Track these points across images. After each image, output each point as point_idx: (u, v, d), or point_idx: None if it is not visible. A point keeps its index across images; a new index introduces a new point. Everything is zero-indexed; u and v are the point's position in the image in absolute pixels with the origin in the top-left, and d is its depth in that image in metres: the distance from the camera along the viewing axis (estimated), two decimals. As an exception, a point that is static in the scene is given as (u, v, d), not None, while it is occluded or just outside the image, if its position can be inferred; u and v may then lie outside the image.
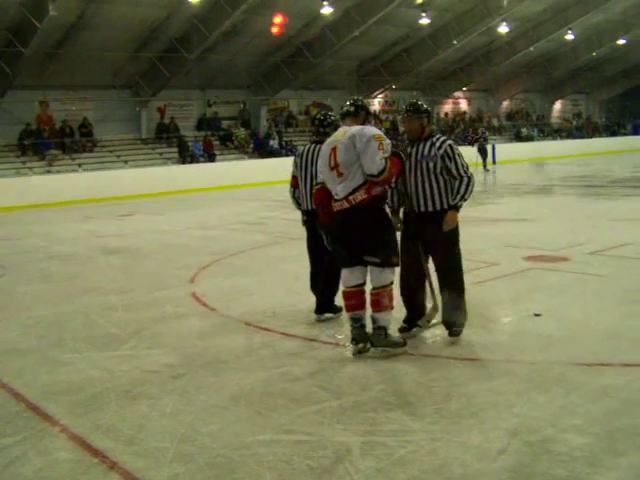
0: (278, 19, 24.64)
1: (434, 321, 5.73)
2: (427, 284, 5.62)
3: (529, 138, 37.99)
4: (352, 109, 5.37)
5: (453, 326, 5.43)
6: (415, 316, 5.64)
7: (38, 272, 9.49)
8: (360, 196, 5.06)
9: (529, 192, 18.07)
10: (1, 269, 9.83)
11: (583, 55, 37.57)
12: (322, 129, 6.20)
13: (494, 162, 28.27)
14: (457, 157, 5.39)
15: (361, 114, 5.37)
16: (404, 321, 5.63)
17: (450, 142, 5.46)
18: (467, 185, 5.36)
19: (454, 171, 5.36)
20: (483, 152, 26.89)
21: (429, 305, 5.73)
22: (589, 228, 11.05)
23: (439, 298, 5.55)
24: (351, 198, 5.08)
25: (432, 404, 4.19)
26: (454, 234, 5.43)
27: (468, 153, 25.91)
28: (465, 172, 5.36)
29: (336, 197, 5.19)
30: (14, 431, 4.10)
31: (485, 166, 26.75)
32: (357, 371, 4.86)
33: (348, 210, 5.11)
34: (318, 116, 6.40)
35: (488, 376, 4.62)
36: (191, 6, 22.47)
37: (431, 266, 5.58)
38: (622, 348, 5.08)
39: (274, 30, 25.17)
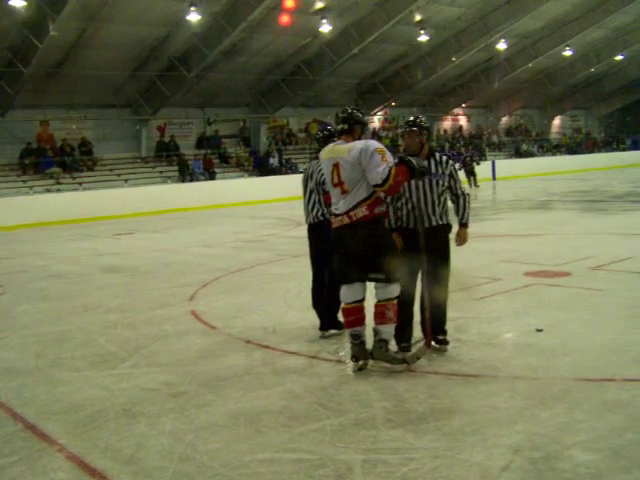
0: (290, 2, 23.01)
1: (417, 343, 5.56)
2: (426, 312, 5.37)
3: (529, 154, 38.11)
4: (346, 127, 5.30)
5: (442, 330, 5.51)
6: (405, 331, 5.55)
7: (38, 291, 9.46)
8: (361, 212, 5.03)
9: (530, 208, 18.06)
10: (0, 288, 9.81)
11: (581, 71, 37.88)
12: (325, 145, 6.19)
13: (494, 178, 28.26)
14: (458, 177, 5.65)
15: (356, 128, 5.31)
16: (397, 342, 5.51)
17: (452, 161, 5.66)
18: (468, 202, 5.66)
19: (456, 190, 5.60)
20: (469, 173, 26.19)
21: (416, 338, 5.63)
22: (590, 243, 11.01)
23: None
24: (352, 214, 5.05)
25: (434, 421, 4.14)
26: (449, 247, 5.57)
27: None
28: (463, 190, 5.64)
29: (336, 212, 5.17)
30: (11, 451, 4.06)
31: (474, 184, 26.09)
32: (358, 388, 4.82)
33: (348, 226, 5.08)
34: (320, 132, 6.38)
35: (490, 392, 4.58)
36: (191, 25, 22.57)
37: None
38: (625, 363, 5.04)
39: (284, 19, 23.91)
